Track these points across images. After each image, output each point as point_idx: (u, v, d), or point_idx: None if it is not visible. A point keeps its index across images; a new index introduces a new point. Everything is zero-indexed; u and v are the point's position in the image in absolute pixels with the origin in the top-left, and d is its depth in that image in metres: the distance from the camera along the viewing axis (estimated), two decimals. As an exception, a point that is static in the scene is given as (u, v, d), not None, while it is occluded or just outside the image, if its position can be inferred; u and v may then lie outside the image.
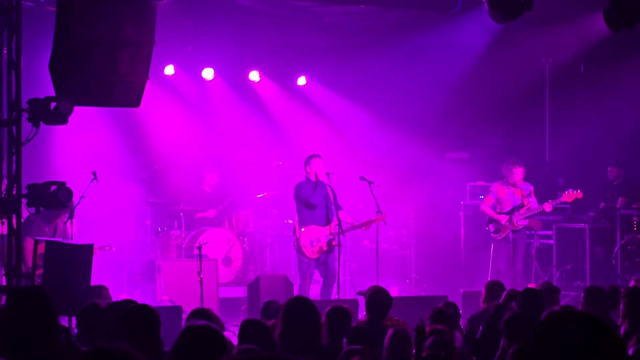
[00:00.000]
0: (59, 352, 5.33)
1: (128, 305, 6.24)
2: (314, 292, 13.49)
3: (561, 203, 14.28)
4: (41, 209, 9.82)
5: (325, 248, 13.10)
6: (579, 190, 13.93)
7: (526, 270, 14.63)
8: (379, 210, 13.04)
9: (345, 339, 6.99)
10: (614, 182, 15.79)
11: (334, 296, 12.91)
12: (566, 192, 14.07)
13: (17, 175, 9.60)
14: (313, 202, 13.13)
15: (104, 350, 3.41)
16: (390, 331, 6.53)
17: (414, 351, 6.30)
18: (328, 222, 13.12)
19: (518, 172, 14.22)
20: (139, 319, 5.67)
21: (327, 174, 13.12)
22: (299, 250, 13.17)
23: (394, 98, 17.56)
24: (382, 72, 17.30)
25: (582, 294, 8.22)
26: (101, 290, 9.68)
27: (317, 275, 13.63)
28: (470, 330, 8.56)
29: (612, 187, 15.78)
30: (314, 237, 13.11)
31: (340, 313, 7.22)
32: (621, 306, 7.60)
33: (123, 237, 15.29)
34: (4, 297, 9.07)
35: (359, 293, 9.17)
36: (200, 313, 6.75)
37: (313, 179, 13.21)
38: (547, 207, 13.94)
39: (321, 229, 13.14)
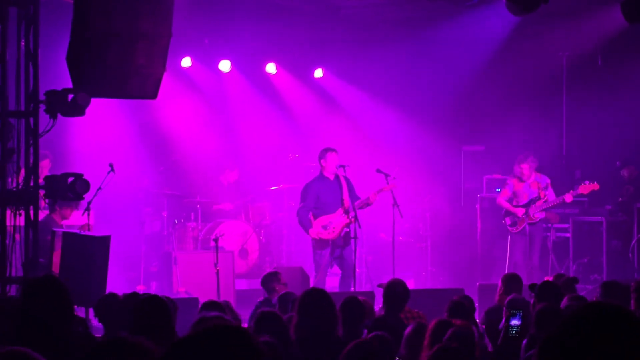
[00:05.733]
0: (75, 343, 5.33)
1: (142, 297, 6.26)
2: (331, 284, 13.49)
3: (578, 195, 14.25)
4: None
5: (342, 232, 13.09)
6: (595, 182, 13.89)
7: (543, 263, 14.61)
8: (394, 199, 13.01)
9: (365, 331, 6.98)
10: (629, 179, 15.74)
11: (350, 288, 12.91)
12: (582, 184, 14.03)
13: (35, 166, 9.63)
14: (323, 199, 13.15)
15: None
16: (412, 324, 6.50)
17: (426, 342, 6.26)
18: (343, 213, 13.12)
19: (525, 168, 14.26)
20: (149, 309, 5.68)
21: (343, 166, 13.11)
22: (315, 241, 13.18)
23: (411, 90, 17.52)
24: (399, 64, 17.26)
25: (599, 289, 8.13)
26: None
27: (334, 268, 13.63)
28: (488, 322, 8.53)
29: (627, 182, 15.72)
30: (326, 223, 13.12)
31: (354, 304, 7.22)
32: (632, 300, 7.54)
33: (140, 228, 15.33)
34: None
35: (380, 285, 9.16)
36: (212, 305, 6.75)
37: (327, 173, 13.21)
38: (568, 197, 13.93)
39: (333, 215, 13.13)
